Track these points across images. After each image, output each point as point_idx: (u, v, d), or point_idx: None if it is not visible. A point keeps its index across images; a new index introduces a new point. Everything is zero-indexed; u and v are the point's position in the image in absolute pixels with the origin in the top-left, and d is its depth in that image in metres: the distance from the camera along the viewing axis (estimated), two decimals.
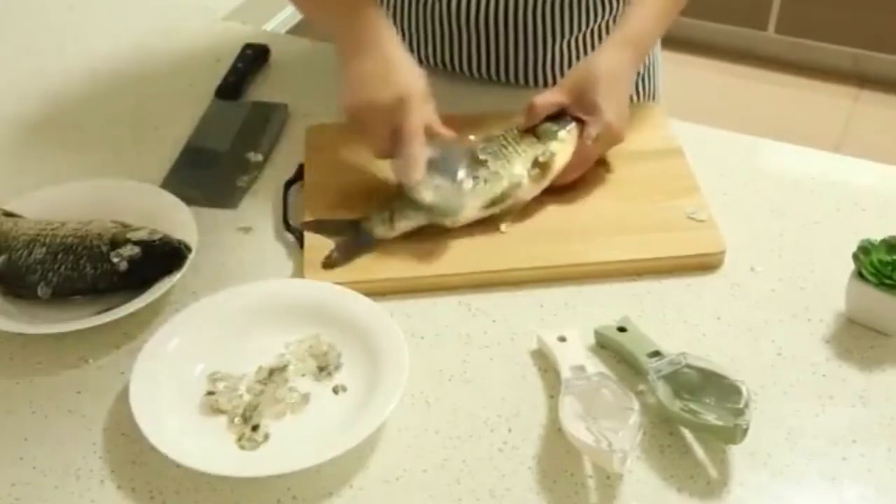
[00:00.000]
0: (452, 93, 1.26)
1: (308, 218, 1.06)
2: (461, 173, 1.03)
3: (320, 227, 1.04)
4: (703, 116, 1.34)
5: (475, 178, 1.03)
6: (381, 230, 1.03)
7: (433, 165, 1.02)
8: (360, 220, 1.04)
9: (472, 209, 1.03)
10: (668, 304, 0.98)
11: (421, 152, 1.01)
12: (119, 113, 1.28)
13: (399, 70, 1.04)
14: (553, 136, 1.07)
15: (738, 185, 1.12)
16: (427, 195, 1.01)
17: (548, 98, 1.09)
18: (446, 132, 1.04)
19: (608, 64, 1.09)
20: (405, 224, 1.03)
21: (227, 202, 1.12)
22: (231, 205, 1.12)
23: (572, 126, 1.07)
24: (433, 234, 1.04)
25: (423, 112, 1.02)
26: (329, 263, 1.01)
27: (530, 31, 1.24)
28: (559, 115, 1.09)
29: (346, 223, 1.04)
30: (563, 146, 1.06)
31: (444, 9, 1.24)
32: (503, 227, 1.04)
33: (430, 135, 1.03)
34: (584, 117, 1.07)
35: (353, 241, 1.03)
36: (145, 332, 0.96)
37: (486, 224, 1.04)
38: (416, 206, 1.02)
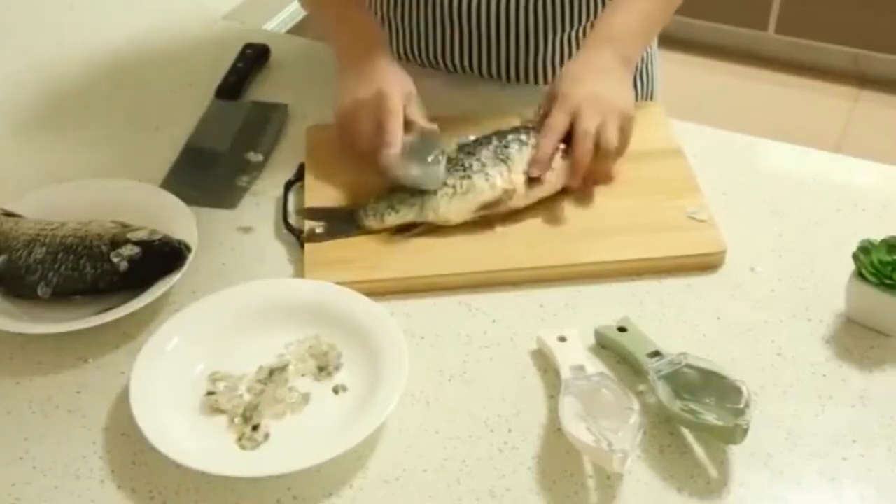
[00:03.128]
0: (448, 90, 1.27)
1: (308, 220, 1.06)
2: (436, 151, 1.05)
3: (317, 214, 1.06)
4: (703, 116, 1.34)
5: (462, 166, 1.05)
6: (371, 220, 1.04)
7: (411, 147, 1.05)
8: (354, 208, 1.06)
9: (464, 211, 1.03)
10: (668, 304, 0.98)
11: (397, 128, 1.05)
12: (119, 113, 1.28)
13: (384, 72, 1.10)
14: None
15: (738, 185, 1.12)
16: (402, 171, 1.04)
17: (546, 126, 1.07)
18: (427, 123, 1.08)
19: (576, 63, 1.11)
20: (394, 217, 1.04)
21: (227, 202, 1.12)
22: (231, 205, 1.12)
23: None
24: (433, 234, 1.04)
25: (401, 100, 1.07)
26: (308, 238, 1.03)
27: (527, 27, 1.24)
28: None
29: (341, 210, 1.06)
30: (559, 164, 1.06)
31: (439, 6, 1.24)
32: (498, 227, 1.04)
33: (410, 122, 1.07)
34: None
35: (341, 224, 1.04)
36: (145, 332, 0.96)
37: (483, 224, 1.04)
38: (406, 200, 1.04)
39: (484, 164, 1.04)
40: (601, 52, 1.10)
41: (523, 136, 1.07)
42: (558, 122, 1.05)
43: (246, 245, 1.07)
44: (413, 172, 1.04)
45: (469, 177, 1.03)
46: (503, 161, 1.05)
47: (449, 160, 1.05)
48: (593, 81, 1.08)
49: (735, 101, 3.08)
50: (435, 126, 1.09)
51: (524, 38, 1.25)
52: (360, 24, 1.18)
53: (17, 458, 0.86)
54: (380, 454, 0.85)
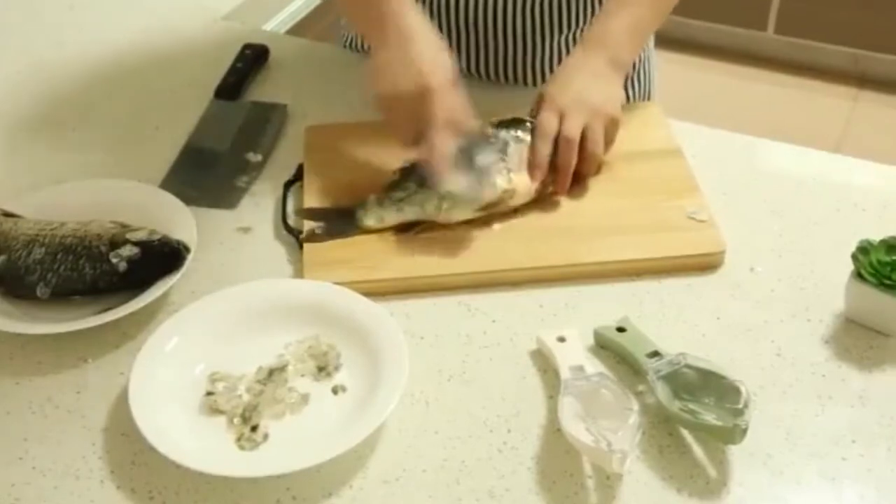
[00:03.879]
0: None
1: (307, 220, 1.06)
2: (485, 163, 1.03)
3: (316, 214, 1.06)
4: (703, 116, 1.34)
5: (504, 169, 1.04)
6: (371, 220, 1.04)
7: (458, 156, 1.02)
8: (353, 208, 1.05)
9: (465, 211, 1.04)
10: (667, 304, 0.98)
11: (446, 147, 1.01)
12: (119, 113, 1.28)
13: (422, 58, 1.03)
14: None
15: (738, 185, 1.12)
16: (453, 186, 1.01)
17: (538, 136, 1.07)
18: (471, 122, 1.04)
19: (567, 65, 1.10)
20: (394, 217, 1.04)
21: (226, 202, 1.12)
22: (231, 205, 1.12)
23: None
24: (432, 234, 1.04)
25: (447, 102, 1.02)
26: (308, 238, 1.03)
27: (524, 30, 1.24)
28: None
29: (340, 210, 1.05)
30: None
31: (436, 8, 1.24)
32: (497, 226, 1.04)
33: (455, 127, 1.02)
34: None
35: (340, 224, 1.04)
36: (145, 332, 0.95)
37: (482, 224, 1.04)
38: (406, 199, 1.04)
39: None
40: (592, 55, 1.10)
41: (520, 133, 1.07)
42: (548, 125, 1.06)
43: (245, 245, 1.07)
44: (462, 185, 1.02)
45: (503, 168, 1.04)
46: (503, 161, 1.05)
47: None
48: (581, 83, 1.08)
49: (734, 102, 3.08)
50: (480, 127, 1.05)
51: (521, 41, 1.25)
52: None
53: (16, 458, 0.86)
54: (379, 454, 0.85)
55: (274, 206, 1.11)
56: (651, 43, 1.35)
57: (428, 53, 1.03)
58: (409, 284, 1.00)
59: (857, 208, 1.09)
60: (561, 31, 1.25)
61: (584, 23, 1.25)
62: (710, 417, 0.82)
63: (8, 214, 1.04)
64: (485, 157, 1.04)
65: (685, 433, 0.85)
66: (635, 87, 1.33)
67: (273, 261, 1.04)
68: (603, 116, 1.06)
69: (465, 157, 1.03)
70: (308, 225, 1.05)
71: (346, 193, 1.09)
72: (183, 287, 1.00)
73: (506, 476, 0.83)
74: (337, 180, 1.11)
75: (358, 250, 1.03)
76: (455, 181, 1.01)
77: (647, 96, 1.36)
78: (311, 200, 1.08)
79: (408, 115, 1.03)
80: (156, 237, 0.98)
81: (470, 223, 1.04)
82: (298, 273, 1.02)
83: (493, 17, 1.23)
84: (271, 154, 1.19)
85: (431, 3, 1.24)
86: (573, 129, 1.05)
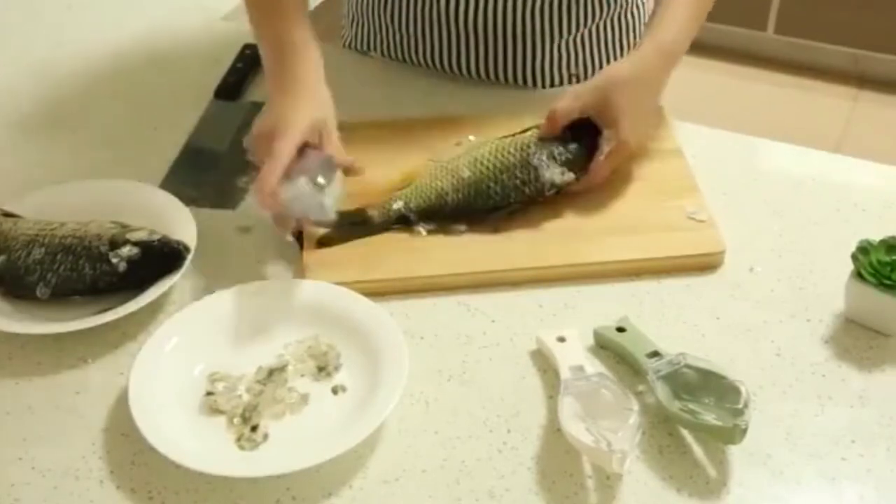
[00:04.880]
0: (450, 94, 1.27)
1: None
2: (321, 178, 0.99)
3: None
4: (703, 116, 1.34)
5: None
6: (378, 216, 1.05)
7: (300, 172, 0.98)
8: (364, 209, 1.05)
9: None
10: (667, 304, 0.98)
11: (271, 179, 0.95)
12: (118, 113, 1.28)
13: (287, 102, 1.02)
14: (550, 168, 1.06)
15: (738, 185, 1.12)
16: (286, 197, 0.97)
17: (568, 106, 1.07)
18: (345, 160, 1.02)
19: (635, 74, 1.07)
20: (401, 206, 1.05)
21: (226, 202, 1.12)
22: (231, 205, 1.12)
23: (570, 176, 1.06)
24: (432, 234, 1.04)
25: (291, 143, 0.97)
26: (324, 241, 1.02)
27: (528, 31, 1.24)
28: (578, 124, 1.07)
29: (348, 214, 1.04)
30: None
31: (441, 9, 1.24)
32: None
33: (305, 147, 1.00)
34: (602, 128, 1.06)
35: (350, 226, 1.04)
36: (145, 332, 0.95)
37: (484, 225, 1.04)
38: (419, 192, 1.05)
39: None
40: (655, 61, 1.08)
41: (554, 153, 1.07)
42: (607, 171, 1.07)
43: (245, 245, 1.07)
44: (288, 195, 0.97)
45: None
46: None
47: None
48: (643, 106, 1.09)
49: (734, 102, 3.08)
50: (333, 157, 1.02)
51: (524, 43, 1.25)
52: (294, 50, 1.07)
53: (16, 458, 0.86)
54: (379, 454, 0.85)
55: None
56: None
57: (298, 103, 1.01)
58: (409, 284, 1.00)
59: (857, 208, 1.09)
60: (561, 35, 1.25)
61: (592, 24, 1.25)
62: (710, 417, 0.82)
63: (8, 214, 1.04)
64: (320, 170, 1.00)
65: (685, 433, 0.85)
66: None
67: (273, 261, 1.04)
68: (630, 156, 1.08)
69: (305, 172, 0.99)
70: (318, 230, 1.04)
71: (345, 193, 1.09)
72: (183, 287, 1.00)
73: (506, 476, 0.83)
74: None
75: (358, 250, 1.03)
76: (288, 194, 0.97)
77: None
78: None
79: (261, 154, 0.99)
80: (156, 237, 0.98)
81: (474, 224, 1.04)
82: (298, 273, 1.02)
83: (494, 19, 1.23)
84: None
85: (434, 6, 1.24)
86: (621, 162, 1.07)
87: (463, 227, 1.04)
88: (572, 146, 1.06)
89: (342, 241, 1.03)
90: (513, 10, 1.22)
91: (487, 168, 1.05)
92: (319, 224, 1.02)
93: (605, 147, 1.05)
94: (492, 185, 1.05)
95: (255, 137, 1.02)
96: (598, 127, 1.06)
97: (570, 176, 1.05)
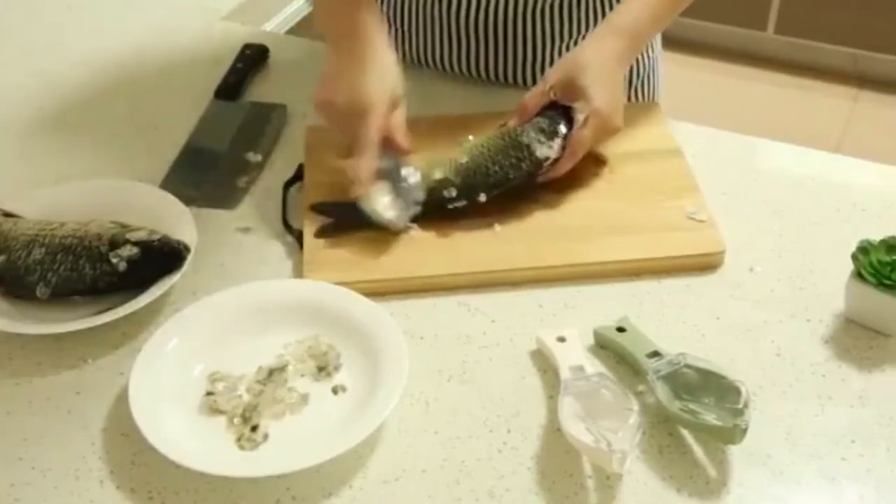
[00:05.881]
0: (450, 93, 1.27)
1: (308, 220, 1.06)
2: (403, 190, 1.05)
3: (324, 208, 1.06)
4: (703, 116, 1.34)
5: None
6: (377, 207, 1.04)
7: (382, 176, 1.04)
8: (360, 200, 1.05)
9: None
10: (667, 304, 0.98)
11: (368, 167, 1.02)
12: (118, 113, 1.28)
13: (368, 79, 1.05)
14: (541, 137, 1.07)
15: (738, 185, 1.12)
16: (372, 206, 1.03)
17: (536, 93, 1.10)
18: (404, 143, 1.06)
19: (596, 52, 1.09)
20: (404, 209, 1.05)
21: (226, 202, 1.12)
22: (231, 205, 1.12)
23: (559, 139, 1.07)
24: (432, 234, 1.04)
25: (379, 122, 1.03)
26: (320, 233, 1.03)
27: (530, 33, 1.24)
28: (549, 108, 1.10)
29: (348, 204, 1.04)
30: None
31: (443, 10, 1.24)
32: (497, 226, 1.04)
33: (386, 145, 1.05)
34: (572, 104, 1.08)
35: (349, 217, 1.04)
36: (145, 332, 0.96)
37: (482, 223, 1.04)
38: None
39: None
40: (615, 40, 1.10)
41: (541, 125, 1.08)
42: (586, 141, 1.07)
43: (245, 245, 1.07)
44: (379, 205, 1.03)
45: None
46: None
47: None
48: (610, 80, 1.09)
49: (734, 102, 3.08)
50: (408, 151, 1.07)
51: (528, 46, 1.25)
52: (362, 11, 1.10)
53: (16, 458, 0.86)
54: (379, 454, 0.85)
55: (274, 206, 1.11)
56: (658, 46, 1.35)
57: (376, 76, 1.05)
58: (409, 284, 1.00)
59: (857, 208, 1.09)
60: (562, 39, 1.25)
61: (588, 29, 1.25)
62: (710, 417, 0.82)
63: (8, 214, 1.04)
64: (405, 182, 1.05)
65: (685, 433, 0.85)
66: (640, 89, 1.33)
67: (273, 261, 1.04)
68: (612, 132, 1.09)
69: (390, 180, 1.04)
70: (316, 220, 1.05)
71: (346, 193, 1.09)
72: (183, 287, 1.00)
73: (506, 476, 0.83)
74: (337, 180, 1.11)
75: (358, 250, 1.03)
76: (375, 200, 1.03)
77: (654, 97, 1.36)
78: (312, 200, 1.08)
79: (340, 127, 1.06)
80: (156, 237, 0.98)
81: (474, 224, 1.04)
82: (298, 273, 1.02)
83: (496, 21, 1.23)
84: (271, 154, 1.19)
85: (436, 7, 1.24)
86: (591, 143, 1.08)
87: (483, 198, 1.05)
88: (553, 113, 1.09)
89: (339, 233, 1.04)
90: (514, 11, 1.22)
91: (482, 155, 1.07)
92: (386, 225, 1.04)
93: (580, 116, 1.07)
94: (490, 165, 1.06)
95: (324, 103, 1.06)
96: (571, 110, 1.09)
97: (560, 143, 1.07)
